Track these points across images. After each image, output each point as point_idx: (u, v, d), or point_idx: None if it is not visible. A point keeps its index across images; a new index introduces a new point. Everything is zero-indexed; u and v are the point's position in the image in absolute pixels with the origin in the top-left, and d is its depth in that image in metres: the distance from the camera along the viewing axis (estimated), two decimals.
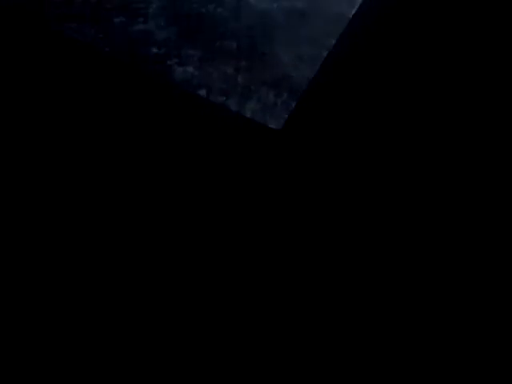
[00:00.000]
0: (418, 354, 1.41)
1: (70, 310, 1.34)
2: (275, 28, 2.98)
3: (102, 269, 1.40)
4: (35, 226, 1.43)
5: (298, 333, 1.40)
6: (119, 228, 1.46)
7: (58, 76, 1.55)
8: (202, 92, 1.86)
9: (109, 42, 2.25)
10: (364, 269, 1.50)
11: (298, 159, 1.51)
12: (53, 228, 1.43)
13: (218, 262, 1.45)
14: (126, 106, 1.58)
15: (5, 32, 1.62)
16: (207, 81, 2.10)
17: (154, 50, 2.36)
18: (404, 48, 1.50)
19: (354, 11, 3.19)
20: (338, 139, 1.53)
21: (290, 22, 3.08)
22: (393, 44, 1.47)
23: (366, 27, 1.45)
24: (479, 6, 1.46)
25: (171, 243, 1.46)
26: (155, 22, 2.69)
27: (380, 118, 1.51)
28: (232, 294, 1.41)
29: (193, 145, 1.52)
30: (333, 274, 1.48)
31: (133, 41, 2.31)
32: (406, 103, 1.52)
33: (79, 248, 1.41)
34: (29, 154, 1.48)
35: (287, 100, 1.93)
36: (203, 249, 1.46)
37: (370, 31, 1.46)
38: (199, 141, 1.52)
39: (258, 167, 1.51)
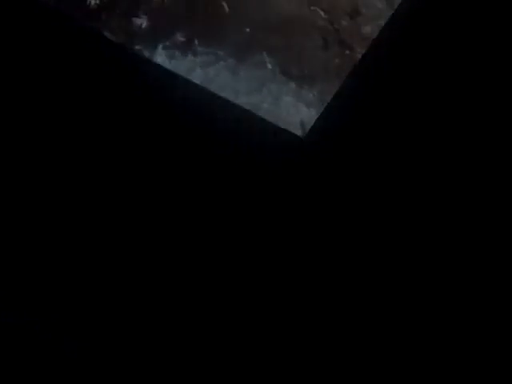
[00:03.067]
0: (418, 354, 1.43)
1: (70, 310, 1.33)
2: None
3: (102, 270, 1.38)
4: (35, 225, 1.40)
5: (297, 333, 1.41)
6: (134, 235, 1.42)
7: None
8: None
9: None
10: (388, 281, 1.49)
11: (322, 169, 1.48)
12: (51, 227, 1.40)
13: (231, 272, 1.43)
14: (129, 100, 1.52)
15: None
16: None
17: None
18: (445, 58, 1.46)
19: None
20: (364, 152, 1.49)
21: None
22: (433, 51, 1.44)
23: (406, 28, 1.42)
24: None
25: (184, 252, 1.43)
26: None
27: (410, 130, 1.48)
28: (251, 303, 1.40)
29: (207, 149, 1.48)
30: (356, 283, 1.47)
31: None
32: (441, 118, 1.48)
33: (78, 248, 1.38)
34: None
35: (314, 105, 1.78)
36: (213, 258, 1.43)
37: (411, 32, 1.43)
38: (212, 145, 1.48)
39: (279, 175, 1.47)
